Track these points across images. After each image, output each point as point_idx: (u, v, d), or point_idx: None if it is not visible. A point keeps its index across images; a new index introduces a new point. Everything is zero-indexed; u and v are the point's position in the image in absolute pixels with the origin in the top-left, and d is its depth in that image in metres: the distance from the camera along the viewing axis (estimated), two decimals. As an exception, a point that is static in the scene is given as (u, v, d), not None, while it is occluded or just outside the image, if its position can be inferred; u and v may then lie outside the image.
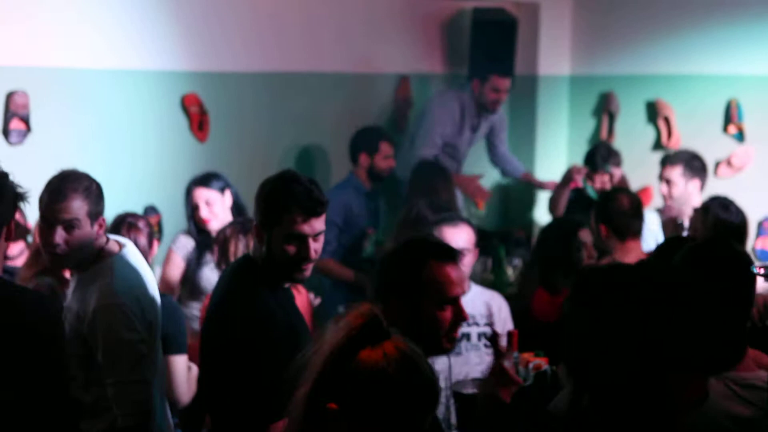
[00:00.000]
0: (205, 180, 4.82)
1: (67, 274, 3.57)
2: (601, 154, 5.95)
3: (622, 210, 4.38)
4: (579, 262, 4.19)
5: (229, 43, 5.60)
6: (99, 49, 5.13)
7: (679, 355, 1.80)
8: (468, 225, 4.25)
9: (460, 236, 4.07)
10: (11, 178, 2.60)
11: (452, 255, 2.63)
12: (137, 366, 3.02)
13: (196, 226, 4.83)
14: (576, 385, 1.94)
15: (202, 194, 4.79)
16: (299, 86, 5.95)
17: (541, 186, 6.77)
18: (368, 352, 1.87)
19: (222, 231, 4.36)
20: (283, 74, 5.87)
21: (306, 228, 2.87)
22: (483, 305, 4.08)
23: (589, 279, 1.93)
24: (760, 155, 6.10)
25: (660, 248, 3.08)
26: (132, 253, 3.20)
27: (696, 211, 4.66)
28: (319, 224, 2.91)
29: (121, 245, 3.19)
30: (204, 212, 4.77)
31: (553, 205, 6.06)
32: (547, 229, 4.77)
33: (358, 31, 6.25)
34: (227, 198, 4.85)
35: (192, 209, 4.82)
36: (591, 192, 5.76)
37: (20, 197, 2.62)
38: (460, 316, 2.60)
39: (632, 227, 4.37)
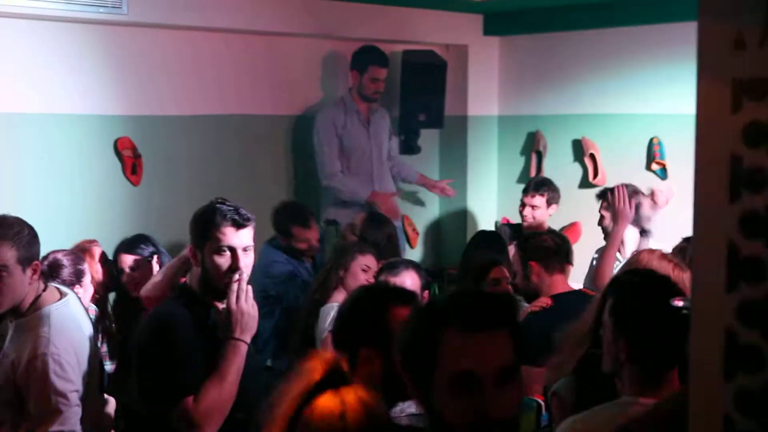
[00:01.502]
0: (131, 246, 4.72)
1: None
2: (535, 180, 6.14)
3: (545, 244, 4.52)
4: None
5: (160, 87, 5.67)
6: (31, 94, 5.17)
7: None
8: (413, 269, 4.32)
9: (404, 282, 4.13)
10: None
11: (410, 297, 2.64)
12: (69, 417, 3.05)
13: (122, 289, 4.71)
14: None
15: (128, 260, 4.69)
16: (231, 128, 6.03)
17: (434, 187, 6.81)
18: (327, 398, 1.91)
19: None
20: (214, 117, 5.94)
21: (234, 240, 3.05)
22: None
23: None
24: (681, 190, 6.28)
25: None
26: (72, 302, 3.22)
27: None
28: (246, 238, 3.09)
29: (62, 294, 3.21)
30: (129, 277, 4.66)
31: None
32: (462, 267, 4.93)
33: (288, 75, 6.36)
34: (155, 264, 4.68)
35: (118, 273, 4.71)
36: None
37: None
38: None
39: (556, 260, 4.52)
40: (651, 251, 3.72)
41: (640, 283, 2.71)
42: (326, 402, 1.90)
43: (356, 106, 6.35)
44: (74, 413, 3.06)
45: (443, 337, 1.89)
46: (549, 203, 5.92)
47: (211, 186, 5.82)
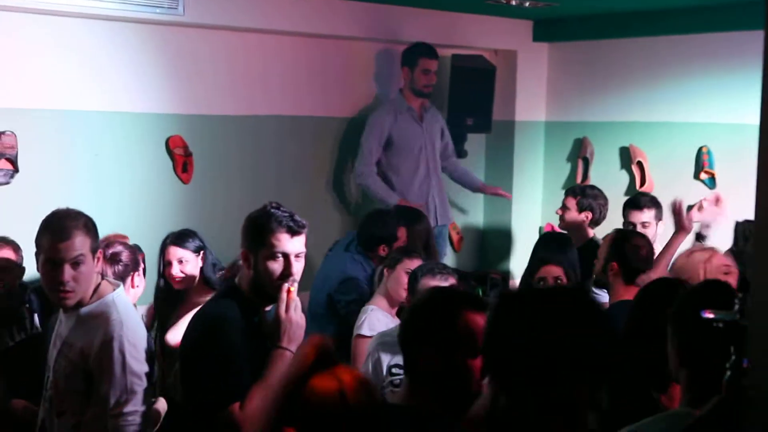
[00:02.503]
0: (179, 239, 4.77)
1: None
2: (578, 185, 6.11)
3: (638, 253, 4.40)
4: None
5: (212, 87, 5.74)
6: (86, 92, 5.26)
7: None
8: (450, 276, 4.21)
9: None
10: None
11: (482, 304, 2.67)
12: (143, 397, 3.12)
13: (166, 282, 4.78)
14: (495, 387, 2.08)
15: (176, 253, 4.74)
16: (282, 129, 6.09)
17: (495, 193, 6.79)
18: (322, 377, 2.02)
19: None
20: (265, 117, 6.00)
21: (289, 246, 3.09)
22: None
23: (510, 297, 2.11)
24: (730, 199, 6.24)
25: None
26: (124, 292, 3.29)
27: None
28: (300, 244, 3.13)
29: (114, 285, 3.26)
30: (175, 271, 4.71)
31: None
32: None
33: (340, 77, 6.40)
34: (199, 260, 4.75)
35: (164, 265, 4.77)
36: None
37: None
38: None
39: (640, 272, 4.39)
40: (704, 250, 3.72)
41: (699, 289, 2.70)
42: (323, 381, 2.01)
43: (408, 104, 6.36)
44: (145, 394, 3.13)
45: None
46: (580, 209, 5.84)
47: (260, 187, 5.91)
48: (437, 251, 5.70)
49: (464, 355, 2.55)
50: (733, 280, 3.60)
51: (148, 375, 3.17)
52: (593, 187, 6.03)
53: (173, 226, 5.26)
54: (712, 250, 3.79)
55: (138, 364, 3.11)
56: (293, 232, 3.10)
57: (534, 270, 4.70)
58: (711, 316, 2.17)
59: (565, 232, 5.80)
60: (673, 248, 4.97)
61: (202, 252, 4.74)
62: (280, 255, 3.08)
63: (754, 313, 1.83)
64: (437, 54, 6.35)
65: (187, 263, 4.72)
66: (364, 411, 2.02)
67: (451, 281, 4.10)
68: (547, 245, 5.44)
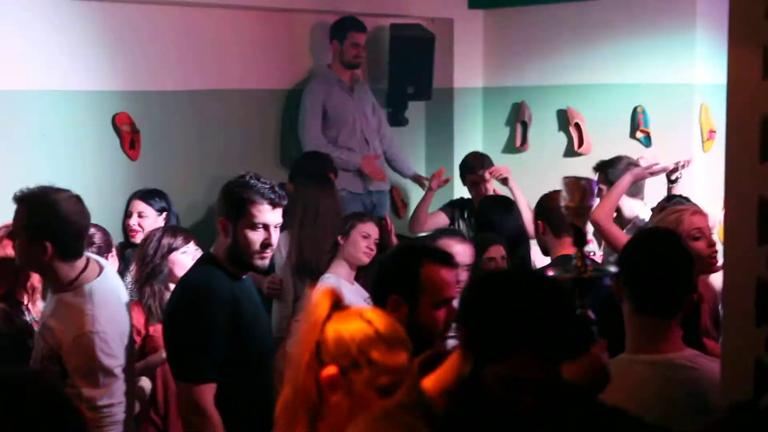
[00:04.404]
0: (147, 194, 4.89)
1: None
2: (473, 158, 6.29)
3: (557, 207, 4.55)
4: None
5: (156, 63, 5.72)
6: (29, 71, 5.20)
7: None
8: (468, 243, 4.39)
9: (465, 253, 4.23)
10: None
11: (447, 258, 2.79)
12: (115, 390, 3.16)
13: (125, 235, 4.88)
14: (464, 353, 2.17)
15: (138, 206, 4.87)
16: (226, 103, 6.11)
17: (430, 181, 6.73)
18: (343, 316, 2.18)
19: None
20: (209, 92, 6.01)
21: (269, 217, 3.17)
22: None
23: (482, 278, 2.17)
24: (665, 157, 6.45)
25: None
26: (110, 274, 3.31)
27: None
28: (279, 216, 3.23)
29: (100, 267, 3.28)
30: (133, 221, 4.82)
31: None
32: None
33: (279, 49, 6.43)
34: (161, 220, 4.89)
35: (125, 217, 4.89)
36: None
37: None
38: (453, 317, 2.70)
39: (566, 225, 4.52)
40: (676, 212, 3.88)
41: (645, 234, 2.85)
42: (346, 319, 2.17)
43: (338, 77, 6.44)
44: (119, 386, 3.17)
45: None
46: None
47: (207, 161, 5.93)
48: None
49: (427, 305, 2.68)
50: (702, 245, 3.76)
51: (126, 364, 3.21)
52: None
53: (123, 203, 5.29)
54: (686, 211, 3.92)
55: (109, 359, 3.14)
56: (274, 204, 3.17)
57: (483, 249, 4.73)
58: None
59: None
60: (619, 187, 5.08)
61: (165, 213, 4.82)
62: (260, 226, 3.15)
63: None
64: (365, 27, 6.45)
65: (146, 218, 4.85)
66: (392, 331, 2.17)
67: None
68: (495, 209, 5.56)
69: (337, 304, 2.20)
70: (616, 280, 2.78)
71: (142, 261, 4.24)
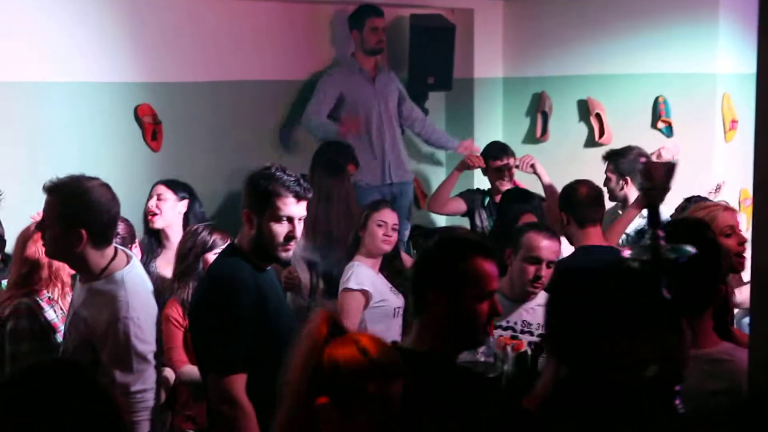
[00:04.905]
0: (170, 181, 4.92)
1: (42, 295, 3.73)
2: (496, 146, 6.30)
3: (580, 199, 4.60)
4: None
5: (179, 54, 5.74)
6: (52, 63, 5.24)
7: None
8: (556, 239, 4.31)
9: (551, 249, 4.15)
10: None
11: (490, 251, 2.74)
12: (149, 376, 3.18)
13: (145, 223, 4.92)
14: (557, 360, 2.20)
15: (159, 189, 4.92)
16: (250, 94, 6.12)
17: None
18: (338, 344, 2.16)
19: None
20: (233, 83, 6.03)
21: (295, 210, 3.18)
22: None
23: (563, 274, 2.19)
24: (686, 147, 6.43)
25: None
26: (137, 264, 3.32)
27: None
28: (303, 208, 3.24)
29: (128, 257, 3.29)
30: (151, 204, 4.85)
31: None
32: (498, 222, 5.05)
33: (299, 40, 6.44)
34: (182, 206, 4.93)
35: (147, 200, 4.94)
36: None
37: None
38: (495, 311, 2.67)
39: (590, 216, 4.58)
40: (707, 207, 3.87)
41: None
42: (341, 347, 2.16)
43: (360, 65, 6.44)
44: (151, 372, 3.19)
45: None
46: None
47: (229, 152, 5.95)
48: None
49: (471, 298, 2.63)
50: (733, 243, 3.73)
51: (157, 352, 3.23)
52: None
53: (145, 194, 5.31)
54: (717, 207, 3.89)
55: (143, 344, 3.15)
56: (299, 197, 3.18)
57: (514, 220, 4.81)
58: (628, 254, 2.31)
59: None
60: (626, 219, 5.12)
61: (186, 201, 4.84)
62: (285, 218, 3.16)
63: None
64: (382, 12, 6.46)
65: (165, 201, 4.84)
66: (387, 362, 2.16)
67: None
68: (517, 200, 5.57)
69: (334, 329, 2.19)
70: None
71: (179, 257, 4.29)
